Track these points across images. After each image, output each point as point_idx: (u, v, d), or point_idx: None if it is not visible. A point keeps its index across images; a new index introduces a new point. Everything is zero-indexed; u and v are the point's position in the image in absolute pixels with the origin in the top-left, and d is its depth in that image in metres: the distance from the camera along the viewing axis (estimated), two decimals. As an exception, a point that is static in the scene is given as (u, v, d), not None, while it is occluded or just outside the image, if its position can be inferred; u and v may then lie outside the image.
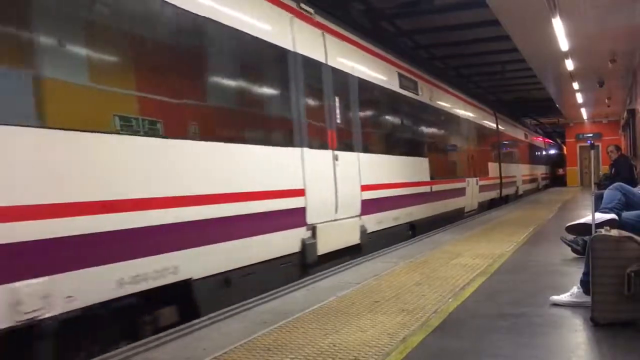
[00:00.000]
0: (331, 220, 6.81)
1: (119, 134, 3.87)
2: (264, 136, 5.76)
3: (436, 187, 11.10)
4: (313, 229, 6.39)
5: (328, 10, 7.39)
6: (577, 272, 4.77)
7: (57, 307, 3.30)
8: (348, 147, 7.42)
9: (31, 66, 3.40)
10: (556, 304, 4.28)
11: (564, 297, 4.30)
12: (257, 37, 5.60)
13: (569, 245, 6.65)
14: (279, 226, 5.76)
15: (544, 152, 32.19)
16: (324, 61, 6.98)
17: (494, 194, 16.61)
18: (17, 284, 3.11)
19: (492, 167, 16.71)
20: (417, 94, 10.60)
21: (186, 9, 4.65)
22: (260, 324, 4.08)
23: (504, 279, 5.48)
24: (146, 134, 4.10)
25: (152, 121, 4.20)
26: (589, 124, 30.25)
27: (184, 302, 4.46)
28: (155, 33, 4.36)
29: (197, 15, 4.78)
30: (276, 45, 5.94)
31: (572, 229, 4.73)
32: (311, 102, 6.62)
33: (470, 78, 21.91)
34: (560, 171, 34.35)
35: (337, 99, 7.24)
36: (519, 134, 22.73)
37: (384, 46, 9.43)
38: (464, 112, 14.44)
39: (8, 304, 3.07)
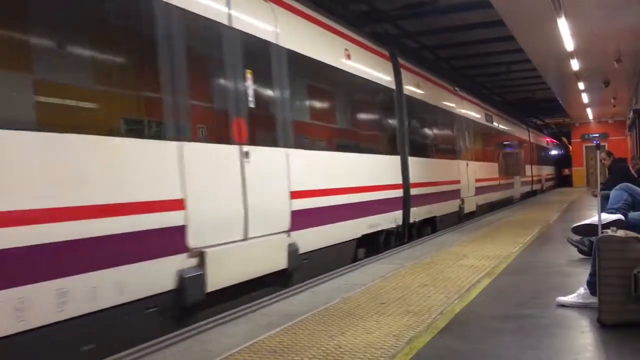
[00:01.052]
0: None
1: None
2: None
3: (503, 182, 17.28)
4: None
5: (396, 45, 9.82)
6: (583, 273, 4.75)
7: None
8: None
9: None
10: (562, 305, 4.26)
11: (570, 298, 4.28)
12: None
13: (575, 246, 6.63)
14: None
15: (553, 153, 32.62)
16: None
17: (528, 187, 22.49)
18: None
19: (528, 169, 22.80)
20: (492, 123, 16.47)
21: (357, 74, 7.68)
22: (266, 326, 4.08)
23: (510, 280, 5.46)
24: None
25: None
26: (594, 124, 30.15)
27: None
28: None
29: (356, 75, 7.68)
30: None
31: (578, 230, 4.71)
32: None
33: (475, 79, 21.87)
34: (566, 171, 34.28)
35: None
36: (542, 142, 28.61)
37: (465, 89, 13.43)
38: (519, 133, 21.67)
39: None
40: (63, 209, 3.47)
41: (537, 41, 11.80)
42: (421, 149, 10.27)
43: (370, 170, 7.91)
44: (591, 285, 4.10)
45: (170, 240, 4.26)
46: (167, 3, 4.38)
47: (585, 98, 20.67)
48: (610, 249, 3.77)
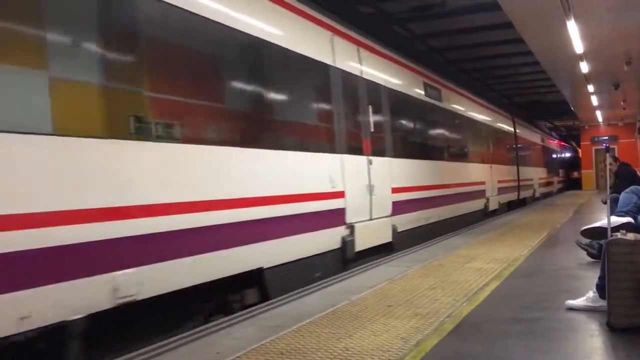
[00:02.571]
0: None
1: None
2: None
3: (552, 179, 25.31)
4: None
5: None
6: (592, 276, 4.73)
7: None
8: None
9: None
10: (571, 309, 4.24)
11: (579, 302, 4.26)
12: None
13: (585, 249, 6.59)
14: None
15: (562, 156, 32.77)
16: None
17: (558, 186, 29.32)
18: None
19: (559, 172, 30.14)
20: (544, 143, 21.38)
21: (402, 91, 9.26)
22: (273, 328, 4.08)
23: (519, 283, 5.44)
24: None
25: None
26: (604, 126, 30.01)
27: None
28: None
29: (405, 94, 9.44)
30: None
31: (587, 233, 4.69)
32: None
33: (484, 81, 21.82)
34: (575, 174, 34.13)
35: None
36: (553, 145, 30.32)
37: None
38: (560, 151, 29.65)
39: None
40: (286, 196, 5.62)
41: (546, 43, 11.75)
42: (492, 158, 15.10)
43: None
44: (600, 289, 4.07)
45: (339, 217, 6.67)
46: (346, 72, 7.21)
47: (594, 100, 20.57)
48: (619, 252, 3.75)
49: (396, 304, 4.65)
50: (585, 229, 4.65)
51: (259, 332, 4.03)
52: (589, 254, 6.49)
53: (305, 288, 5.58)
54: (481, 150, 14.32)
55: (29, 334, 3.16)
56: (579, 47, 11.45)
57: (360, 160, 7.27)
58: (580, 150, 33.57)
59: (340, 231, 6.65)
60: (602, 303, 3.97)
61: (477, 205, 13.15)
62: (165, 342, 3.89)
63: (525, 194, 19.38)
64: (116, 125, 3.75)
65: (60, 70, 3.45)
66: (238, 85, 5.21)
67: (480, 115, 14.56)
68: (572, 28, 10.01)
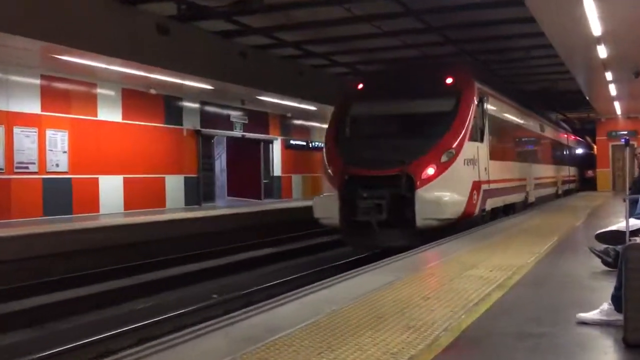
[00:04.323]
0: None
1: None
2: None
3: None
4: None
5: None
6: (607, 286, 4.79)
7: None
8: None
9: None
10: (584, 323, 4.30)
11: (592, 315, 4.32)
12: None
13: (599, 257, 6.67)
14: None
15: (576, 152, 33.48)
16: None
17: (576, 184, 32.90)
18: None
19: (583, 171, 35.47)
20: (544, 132, 23.36)
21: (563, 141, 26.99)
22: (245, 341, 4.08)
23: (525, 293, 5.50)
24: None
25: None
26: (623, 120, 30.30)
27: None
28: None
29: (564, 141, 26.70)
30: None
31: (602, 237, 4.76)
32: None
33: (488, 65, 21.94)
34: (590, 173, 34.45)
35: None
36: (582, 147, 35.36)
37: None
38: (574, 146, 32.68)
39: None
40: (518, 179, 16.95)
41: (560, 24, 11.84)
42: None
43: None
44: (616, 301, 4.13)
45: (524, 189, 17.65)
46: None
47: (613, 90, 20.80)
48: (639, 258, 3.80)
49: (385, 316, 4.67)
50: (600, 233, 4.72)
51: (229, 344, 4.03)
52: (604, 262, 6.57)
53: (282, 296, 5.59)
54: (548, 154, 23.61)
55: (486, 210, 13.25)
56: (596, 28, 11.55)
57: (525, 165, 17.92)
58: (595, 146, 33.92)
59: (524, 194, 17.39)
60: (618, 317, 4.02)
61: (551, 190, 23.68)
62: (132, 350, 3.89)
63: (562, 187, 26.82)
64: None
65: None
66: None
67: (546, 132, 23.43)
68: (590, 6, 10.10)
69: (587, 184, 33.54)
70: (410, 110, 12.46)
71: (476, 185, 12.31)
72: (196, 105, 20.40)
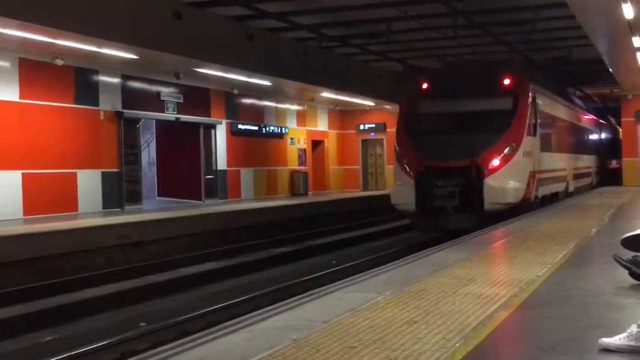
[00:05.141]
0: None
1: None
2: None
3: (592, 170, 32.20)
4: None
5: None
6: (637, 304, 4.86)
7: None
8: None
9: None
10: (608, 350, 4.35)
11: (618, 340, 4.37)
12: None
13: (626, 267, 6.76)
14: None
15: (595, 138, 33.94)
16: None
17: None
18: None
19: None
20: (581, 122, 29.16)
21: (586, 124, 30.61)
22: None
23: (535, 314, 5.55)
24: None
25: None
26: (655, 96, 30.76)
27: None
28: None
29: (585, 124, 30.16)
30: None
31: (630, 243, 4.82)
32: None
33: (487, 29, 22.14)
34: (613, 163, 34.84)
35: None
36: (605, 131, 38.12)
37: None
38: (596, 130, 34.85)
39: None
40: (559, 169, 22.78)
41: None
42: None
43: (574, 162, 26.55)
44: (648, 322, 4.19)
45: (565, 179, 23.61)
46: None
47: (642, 59, 21.17)
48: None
49: (361, 345, 4.67)
50: (627, 238, 4.78)
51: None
52: (633, 274, 6.67)
53: (227, 324, 5.55)
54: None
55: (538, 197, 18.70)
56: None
57: (566, 156, 23.51)
58: (620, 130, 34.35)
59: (565, 184, 23.24)
60: (650, 341, 4.09)
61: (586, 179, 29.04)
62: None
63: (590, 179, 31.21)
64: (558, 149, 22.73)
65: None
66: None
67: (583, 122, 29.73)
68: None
69: (609, 177, 33.77)
70: (475, 108, 17.26)
71: (532, 175, 17.60)
72: (116, 80, 20.21)
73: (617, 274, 6.85)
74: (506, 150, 16.45)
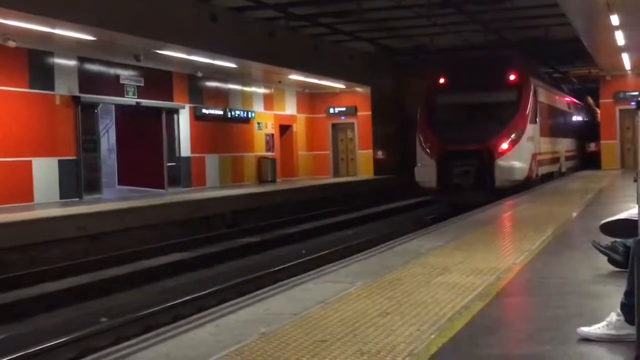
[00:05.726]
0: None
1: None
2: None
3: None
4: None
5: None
6: (616, 292, 4.92)
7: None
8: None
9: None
10: (586, 339, 4.40)
11: (597, 329, 4.42)
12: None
13: (605, 254, 6.83)
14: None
15: (574, 120, 34.87)
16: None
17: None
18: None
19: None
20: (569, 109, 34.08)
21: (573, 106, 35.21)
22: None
23: (512, 303, 5.60)
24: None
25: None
26: (633, 77, 30.98)
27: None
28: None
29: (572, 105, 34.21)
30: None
31: (609, 229, 4.87)
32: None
33: (462, 7, 22.19)
34: (592, 146, 35.05)
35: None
36: (582, 114, 40.33)
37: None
38: (575, 112, 37.19)
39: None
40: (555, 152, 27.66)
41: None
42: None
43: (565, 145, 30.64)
44: (627, 310, 4.23)
45: (558, 160, 28.12)
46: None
47: (620, 39, 21.32)
48: (655, 255, 3.90)
49: (332, 339, 4.68)
50: (605, 224, 4.84)
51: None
52: (611, 260, 6.74)
53: (191, 318, 5.54)
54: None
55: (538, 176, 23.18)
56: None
57: (558, 140, 27.93)
58: (599, 112, 34.60)
59: (559, 164, 27.76)
60: (630, 330, 4.13)
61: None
62: None
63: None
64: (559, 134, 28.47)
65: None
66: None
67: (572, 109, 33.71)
68: None
69: (587, 161, 33.99)
70: (485, 100, 21.43)
71: (534, 156, 21.59)
72: (73, 63, 20.00)
73: (596, 261, 6.93)
74: (513, 136, 20.37)
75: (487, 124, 20.59)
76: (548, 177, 24.62)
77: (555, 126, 27.50)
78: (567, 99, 32.47)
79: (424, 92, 23.08)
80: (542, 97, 24.07)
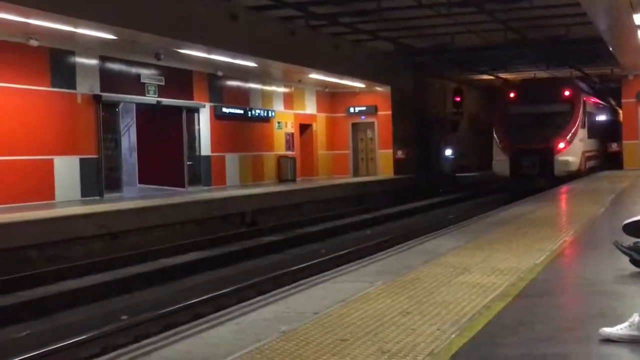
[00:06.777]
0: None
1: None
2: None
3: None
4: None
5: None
6: (638, 292, 4.89)
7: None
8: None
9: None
10: (608, 340, 4.38)
11: (619, 330, 4.40)
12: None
13: (627, 254, 6.79)
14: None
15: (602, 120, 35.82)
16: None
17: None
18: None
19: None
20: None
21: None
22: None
23: (533, 304, 5.58)
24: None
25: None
26: (657, 76, 30.79)
27: None
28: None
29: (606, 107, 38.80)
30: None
31: (632, 229, 4.84)
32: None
33: (482, 6, 22.12)
34: (614, 146, 34.93)
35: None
36: (605, 114, 42.13)
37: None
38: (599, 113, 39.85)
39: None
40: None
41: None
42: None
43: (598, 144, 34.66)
44: (650, 310, 4.23)
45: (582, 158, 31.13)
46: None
47: (643, 38, 21.20)
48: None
49: (353, 338, 4.69)
50: (628, 224, 4.81)
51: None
52: (634, 261, 6.71)
53: (212, 316, 5.56)
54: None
55: (586, 168, 29.90)
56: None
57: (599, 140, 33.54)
58: (621, 112, 34.46)
59: (598, 161, 32.99)
60: (653, 331, 4.12)
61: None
62: None
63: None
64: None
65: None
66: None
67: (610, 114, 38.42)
68: None
69: (609, 161, 33.96)
70: (547, 111, 27.65)
71: (583, 154, 28.05)
72: (94, 62, 20.11)
73: (618, 261, 6.89)
74: (568, 138, 26.91)
75: (549, 128, 26.94)
76: (590, 170, 29.96)
77: (596, 130, 32.36)
78: (601, 102, 36.46)
79: (497, 104, 30.37)
80: (590, 107, 30.40)
